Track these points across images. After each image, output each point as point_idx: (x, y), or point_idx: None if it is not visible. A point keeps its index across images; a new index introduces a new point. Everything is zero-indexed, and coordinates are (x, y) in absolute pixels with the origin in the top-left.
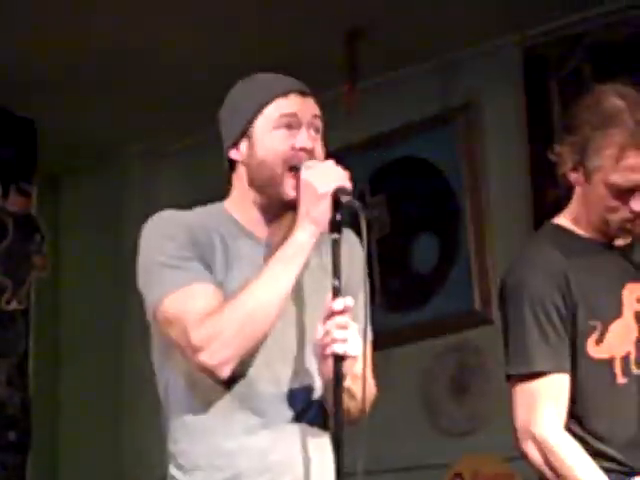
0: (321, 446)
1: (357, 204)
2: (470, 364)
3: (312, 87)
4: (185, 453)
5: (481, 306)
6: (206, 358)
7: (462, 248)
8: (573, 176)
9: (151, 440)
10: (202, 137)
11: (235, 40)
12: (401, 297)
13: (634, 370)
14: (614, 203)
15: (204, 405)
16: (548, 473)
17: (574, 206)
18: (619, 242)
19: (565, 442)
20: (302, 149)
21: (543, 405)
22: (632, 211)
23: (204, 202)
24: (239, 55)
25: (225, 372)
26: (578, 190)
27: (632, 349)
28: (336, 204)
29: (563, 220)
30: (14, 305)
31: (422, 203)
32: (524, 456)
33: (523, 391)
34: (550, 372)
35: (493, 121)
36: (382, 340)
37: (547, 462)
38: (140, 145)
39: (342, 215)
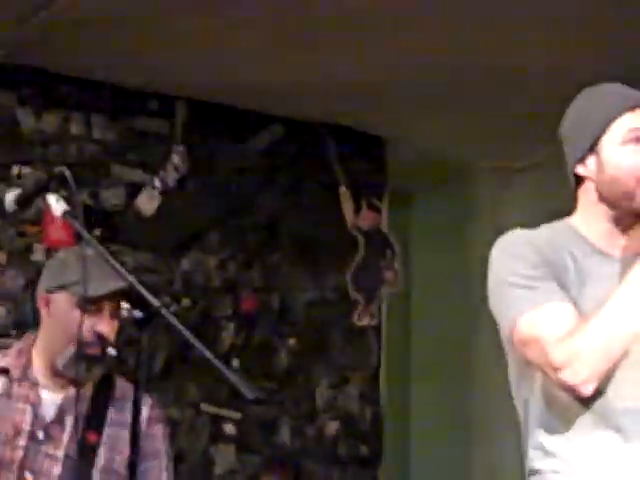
0: None
1: None
2: None
3: None
4: (543, 472)
5: None
6: (568, 377)
7: None
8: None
9: (504, 457)
10: (551, 153)
11: (588, 55)
12: None
13: None
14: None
15: (562, 424)
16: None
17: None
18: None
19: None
20: None
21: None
22: None
23: (553, 219)
24: (590, 70)
25: (587, 390)
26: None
27: None
28: None
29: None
30: (366, 320)
31: None
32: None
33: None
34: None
35: None
36: None
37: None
38: (491, 161)
39: None
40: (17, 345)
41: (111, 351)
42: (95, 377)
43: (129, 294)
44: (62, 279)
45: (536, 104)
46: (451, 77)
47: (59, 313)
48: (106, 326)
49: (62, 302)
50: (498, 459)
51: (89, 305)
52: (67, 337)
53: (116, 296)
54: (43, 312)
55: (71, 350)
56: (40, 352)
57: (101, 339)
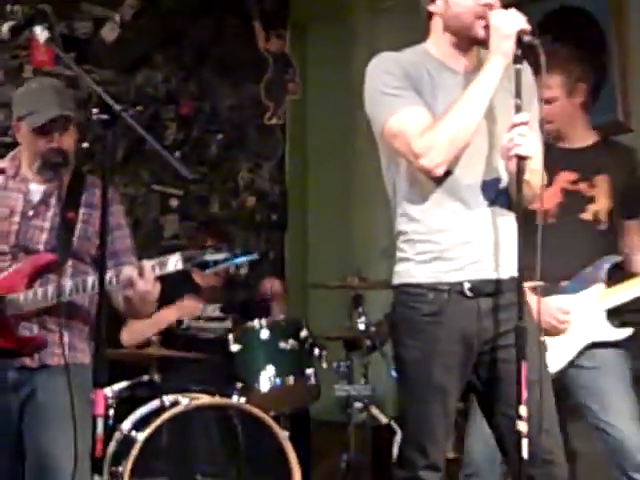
0: (507, 224)
1: (536, 41)
2: None
3: None
4: (408, 233)
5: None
6: (426, 162)
7: (610, 72)
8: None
9: (377, 221)
10: None
11: None
12: None
13: None
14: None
15: (422, 197)
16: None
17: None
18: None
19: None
20: (486, 4)
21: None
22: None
23: (414, 45)
24: None
25: (439, 171)
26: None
27: None
28: (519, 41)
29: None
30: (274, 121)
31: (579, 47)
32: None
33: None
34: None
35: None
36: None
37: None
38: (366, 1)
39: (523, 52)
40: (11, 153)
41: (83, 145)
42: (65, 175)
43: (71, 119)
44: (19, 112)
45: None
46: None
47: (23, 137)
48: (62, 142)
49: (24, 129)
50: (373, 223)
51: (39, 130)
52: (33, 154)
53: (58, 120)
54: (17, 135)
55: (39, 162)
56: (25, 155)
57: (60, 150)
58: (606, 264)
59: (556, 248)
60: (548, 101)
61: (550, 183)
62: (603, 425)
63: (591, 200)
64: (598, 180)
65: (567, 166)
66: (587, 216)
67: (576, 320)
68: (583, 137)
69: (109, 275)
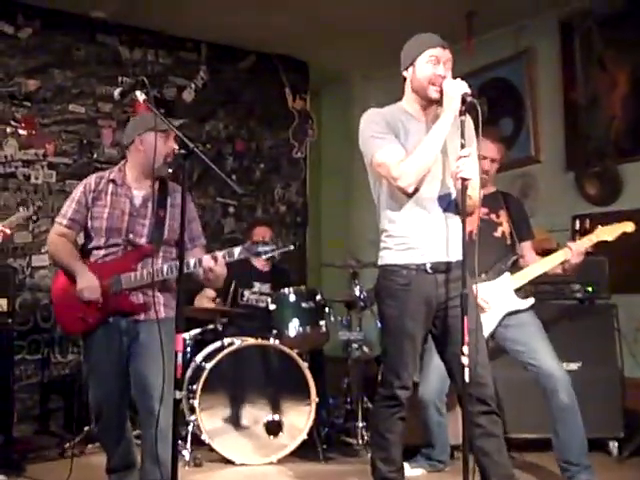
0: (455, 224)
1: (476, 101)
2: None
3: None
4: (388, 230)
5: (535, 152)
6: (401, 183)
7: (526, 121)
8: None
9: (367, 222)
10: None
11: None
12: None
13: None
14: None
15: (397, 207)
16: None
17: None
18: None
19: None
20: (441, 75)
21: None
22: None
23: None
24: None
25: (411, 189)
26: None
27: None
28: (463, 101)
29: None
30: (299, 155)
31: (505, 104)
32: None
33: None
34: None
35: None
36: None
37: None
38: (362, 72)
39: (466, 108)
40: (117, 166)
41: (169, 167)
42: (167, 174)
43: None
44: (147, 126)
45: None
46: (348, 28)
47: (148, 144)
48: (174, 144)
49: (150, 137)
50: (365, 223)
51: (163, 134)
52: (152, 157)
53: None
54: (135, 148)
55: (161, 161)
56: (130, 169)
57: (170, 154)
58: (509, 261)
59: (479, 253)
60: (493, 160)
61: None
62: (533, 362)
63: (499, 225)
64: (501, 213)
65: (482, 204)
66: (498, 234)
67: (496, 298)
68: (490, 187)
69: (193, 261)
